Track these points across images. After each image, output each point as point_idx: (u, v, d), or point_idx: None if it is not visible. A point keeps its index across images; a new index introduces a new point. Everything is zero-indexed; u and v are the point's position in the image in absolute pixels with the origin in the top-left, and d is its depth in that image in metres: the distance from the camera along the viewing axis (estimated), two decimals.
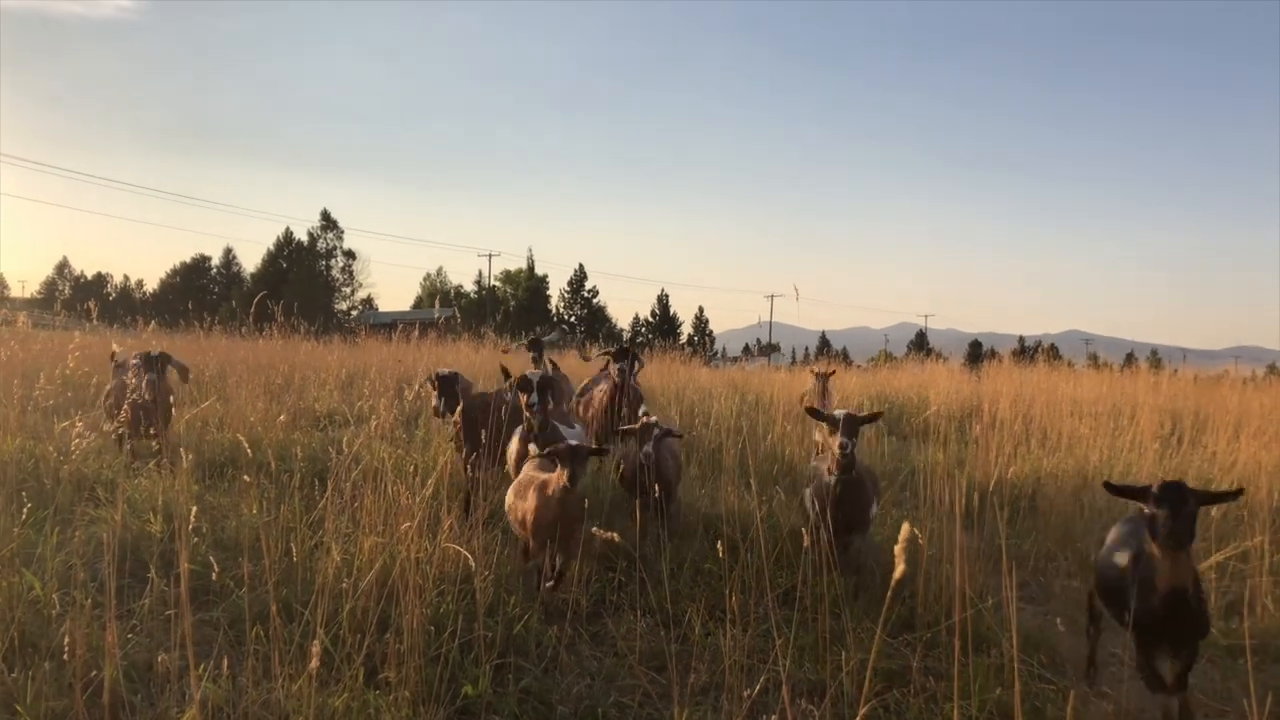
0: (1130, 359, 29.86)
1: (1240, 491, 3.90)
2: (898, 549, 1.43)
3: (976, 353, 42.02)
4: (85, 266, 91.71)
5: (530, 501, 5.08)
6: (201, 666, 3.71)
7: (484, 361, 15.46)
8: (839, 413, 5.49)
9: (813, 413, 5.82)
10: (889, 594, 1.62)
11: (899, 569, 1.44)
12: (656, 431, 6.29)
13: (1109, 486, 3.93)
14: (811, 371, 11.01)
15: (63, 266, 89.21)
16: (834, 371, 11.37)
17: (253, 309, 8.77)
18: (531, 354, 10.13)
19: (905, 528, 1.43)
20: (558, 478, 4.84)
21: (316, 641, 2.60)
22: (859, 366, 21.61)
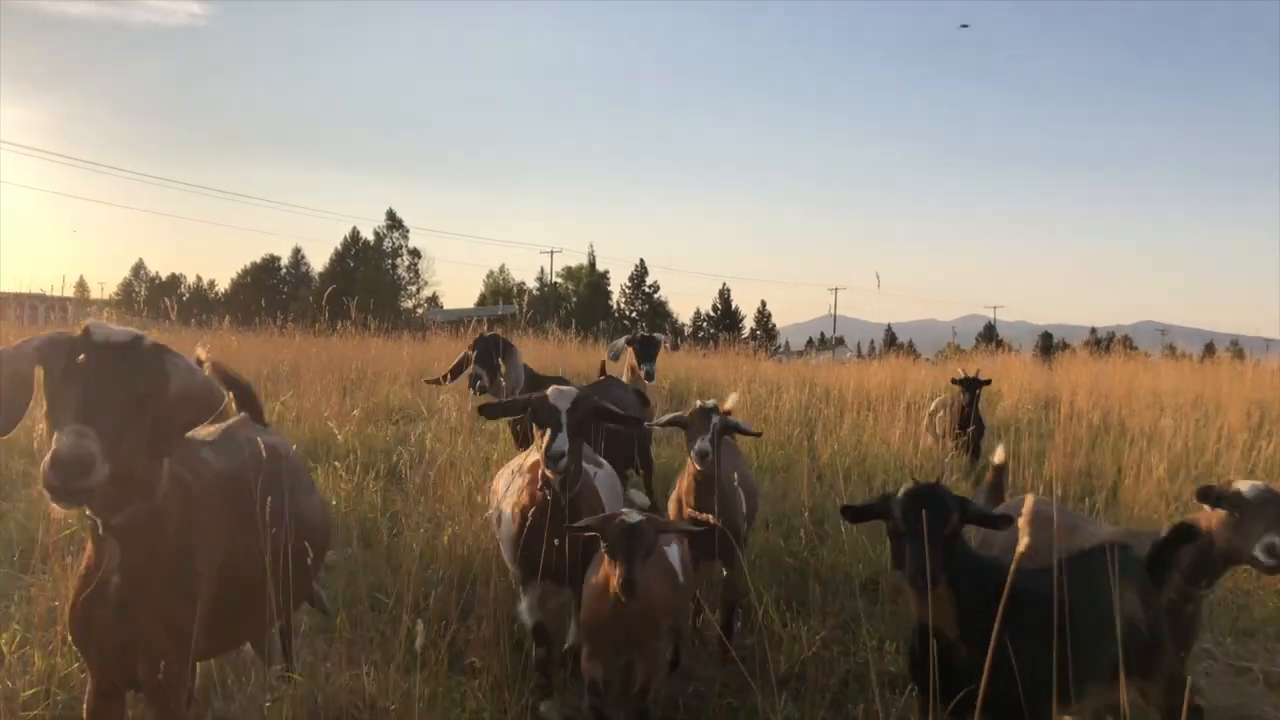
0: (1210, 349, 28.97)
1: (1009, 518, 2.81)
2: (1021, 522, 1.39)
3: (1048, 344, 41.18)
4: (160, 268, 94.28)
5: (586, 598, 3.58)
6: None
7: (548, 357, 15.56)
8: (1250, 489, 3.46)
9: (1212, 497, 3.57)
10: (1010, 570, 1.58)
11: (1023, 543, 1.41)
12: (716, 420, 4.39)
13: (847, 511, 3.08)
14: (953, 380, 8.55)
15: (139, 268, 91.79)
16: (988, 381, 8.85)
17: (325, 302, 8.92)
18: (638, 358, 7.78)
19: (1029, 500, 1.40)
20: (612, 581, 3.25)
21: (420, 624, 2.65)
22: (927, 360, 21.26)
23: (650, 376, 7.64)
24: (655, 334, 8.17)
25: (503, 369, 6.54)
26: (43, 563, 4.17)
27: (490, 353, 6.59)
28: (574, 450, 3.88)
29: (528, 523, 3.90)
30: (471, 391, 6.60)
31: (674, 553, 3.80)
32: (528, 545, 3.93)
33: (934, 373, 15.09)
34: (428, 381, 7.50)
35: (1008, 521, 2.81)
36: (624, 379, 7.55)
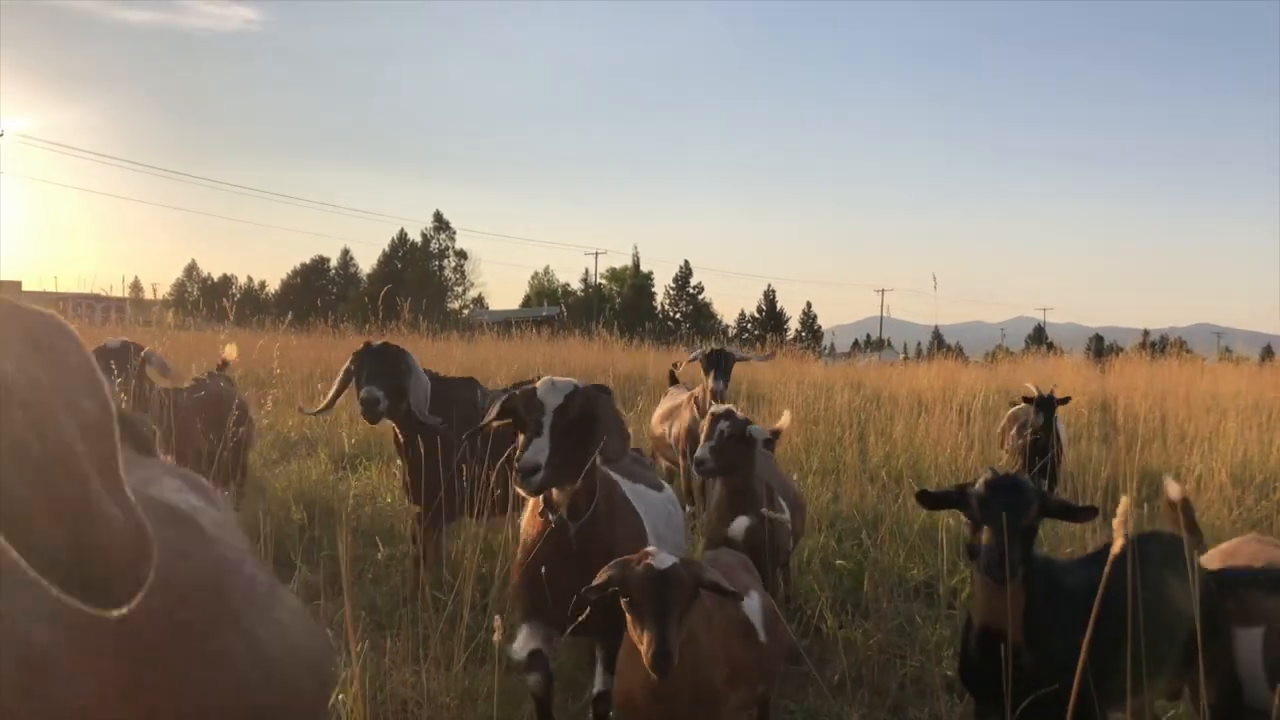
0: (1269, 352, 28.30)
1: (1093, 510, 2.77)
2: (1116, 523, 1.38)
3: (1100, 347, 40.49)
4: (212, 269, 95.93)
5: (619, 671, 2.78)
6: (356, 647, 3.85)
7: (594, 359, 15.63)
8: None
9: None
10: (1106, 567, 1.57)
11: (1118, 543, 1.40)
12: (723, 427, 4.05)
13: (923, 497, 2.94)
14: (1025, 399, 7.32)
15: (191, 269, 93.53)
16: (1067, 399, 7.66)
17: (380, 302, 9.01)
18: (711, 373, 7.00)
19: (1124, 502, 1.38)
20: (644, 651, 2.37)
21: (499, 618, 2.68)
22: (976, 362, 21.02)
23: (719, 396, 6.72)
24: (728, 348, 7.37)
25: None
26: None
27: (382, 368, 5.00)
28: (559, 463, 3.06)
29: (530, 555, 3.25)
30: (369, 419, 5.11)
31: (753, 603, 2.97)
32: (529, 579, 3.27)
33: (984, 375, 14.92)
34: (309, 413, 5.89)
35: (1092, 513, 2.74)
36: (697, 394, 7.05)
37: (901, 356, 39.82)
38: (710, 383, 6.87)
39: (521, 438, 3.12)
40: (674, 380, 8.23)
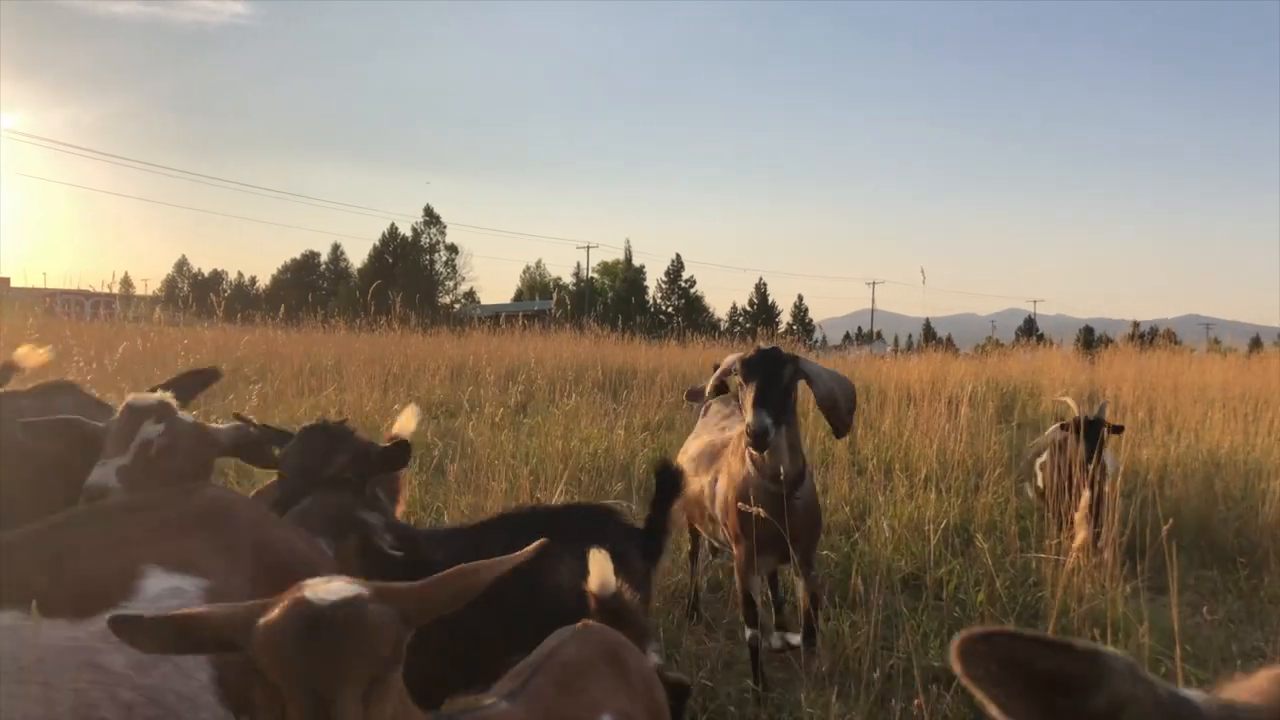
0: (1257, 343, 28.45)
1: None
2: (1078, 516, 1.38)
3: (1090, 339, 40.64)
4: (202, 264, 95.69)
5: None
6: None
7: (585, 352, 15.60)
8: None
9: None
10: (1071, 555, 1.58)
11: (1080, 536, 1.40)
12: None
13: None
14: (1061, 426, 5.90)
15: (181, 265, 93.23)
16: (1120, 428, 6.26)
17: (370, 297, 8.99)
18: (751, 380, 3.98)
19: (1085, 495, 1.39)
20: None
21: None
22: (966, 354, 21.08)
23: (762, 441, 4.69)
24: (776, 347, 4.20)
25: None
26: None
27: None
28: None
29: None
30: None
31: None
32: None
33: (973, 367, 14.96)
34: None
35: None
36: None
37: (891, 349, 39.93)
38: (749, 415, 3.81)
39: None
40: (721, 389, 4.77)
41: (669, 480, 3.27)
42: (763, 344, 4.14)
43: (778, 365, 3.92)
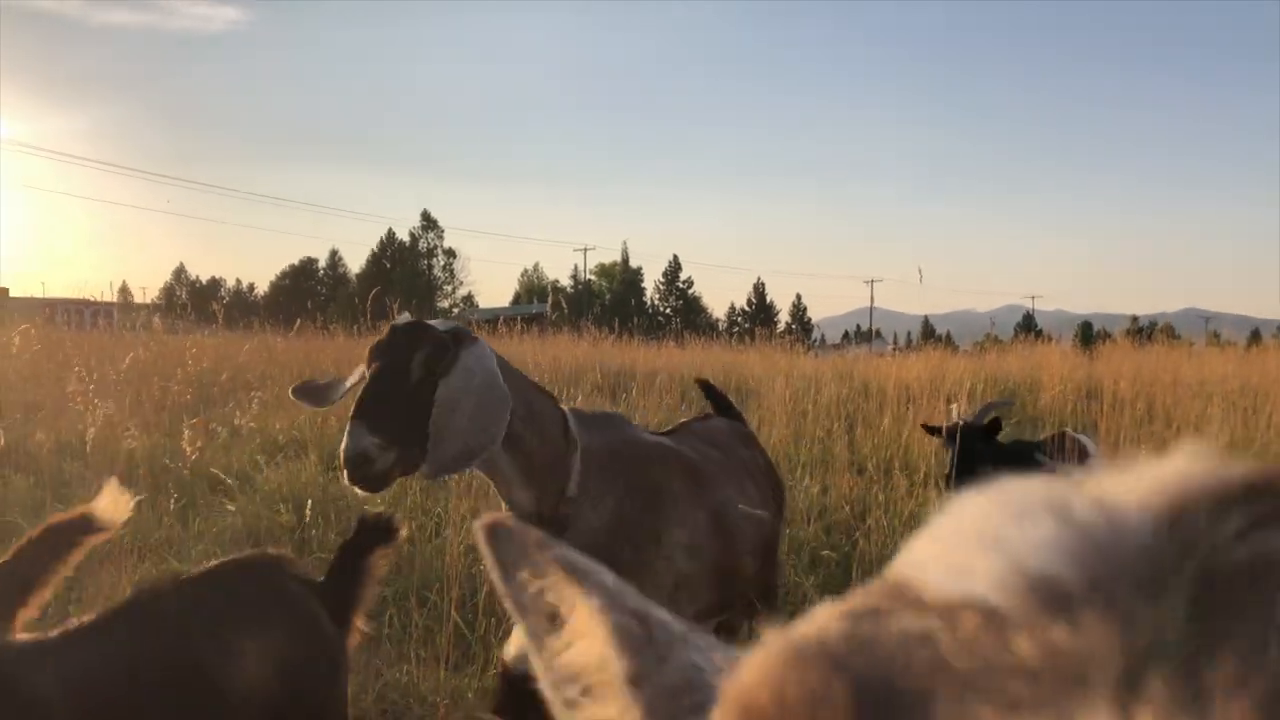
0: (1256, 336, 28.49)
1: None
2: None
3: (1088, 333, 40.68)
4: (200, 272, 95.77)
5: None
6: None
7: (584, 355, 15.63)
8: None
9: None
10: None
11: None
12: None
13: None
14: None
15: (179, 272, 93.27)
16: (992, 427, 5.13)
17: (369, 304, 8.99)
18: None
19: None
20: None
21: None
22: (965, 351, 21.10)
23: None
24: (420, 322, 2.83)
25: None
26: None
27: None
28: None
29: None
30: None
31: None
32: None
33: (972, 365, 14.99)
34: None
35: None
36: None
37: (891, 347, 39.97)
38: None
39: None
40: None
41: (372, 531, 2.46)
42: (408, 316, 2.78)
43: (404, 351, 2.41)
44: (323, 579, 2.37)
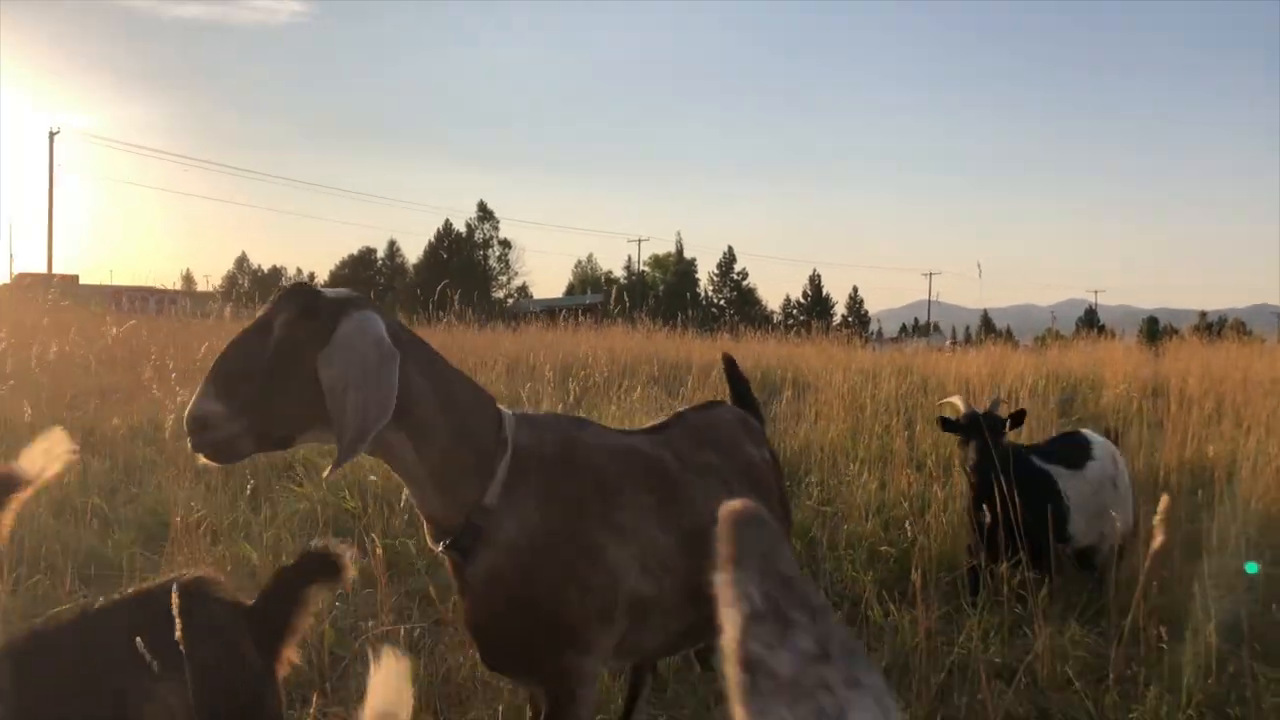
0: None
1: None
2: (1157, 520, 1.40)
3: (1154, 330, 39.70)
4: (262, 261, 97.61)
5: None
6: (403, 631, 3.96)
7: (638, 346, 15.66)
8: None
9: None
10: (1146, 563, 1.59)
11: (1158, 539, 1.41)
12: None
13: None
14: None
15: (242, 261, 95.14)
16: (1018, 417, 4.97)
17: (435, 296, 9.11)
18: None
19: (1164, 499, 1.40)
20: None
21: None
22: (1025, 346, 20.76)
23: None
24: (305, 285, 2.48)
25: None
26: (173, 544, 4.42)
27: None
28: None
29: None
30: None
31: None
32: None
33: (1033, 360, 14.75)
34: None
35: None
36: None
37: (949, 341, 39.42)
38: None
39: None
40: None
41: (313, 563, 2.33)
42: (300, 281, 2.45)
43: (270, 315, 2.12)
44: (252, 604, 2.24)
